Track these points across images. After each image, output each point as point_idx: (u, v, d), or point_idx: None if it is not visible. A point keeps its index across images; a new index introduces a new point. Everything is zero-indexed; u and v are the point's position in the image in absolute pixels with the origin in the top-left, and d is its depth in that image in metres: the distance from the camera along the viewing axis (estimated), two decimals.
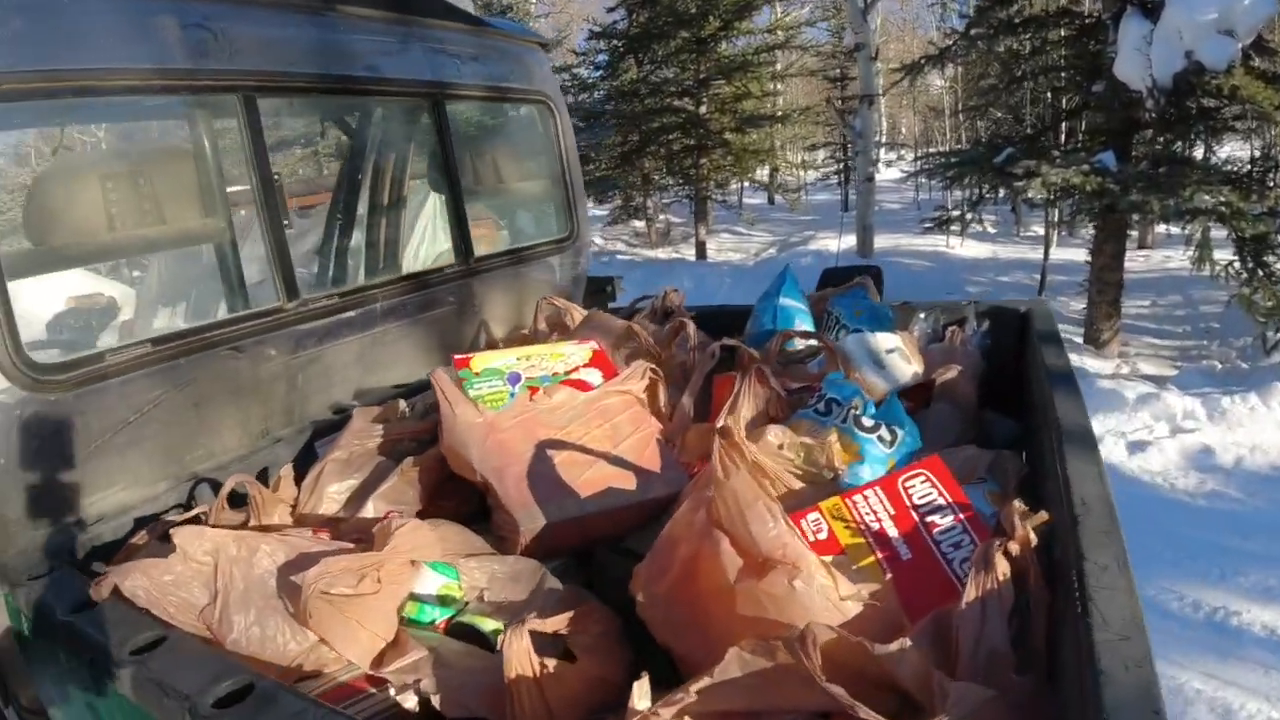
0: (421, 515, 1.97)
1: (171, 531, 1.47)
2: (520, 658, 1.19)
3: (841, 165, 17.07)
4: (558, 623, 1.35)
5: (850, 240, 12.28)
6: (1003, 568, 1.18)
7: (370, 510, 1.88)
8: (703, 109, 13.93)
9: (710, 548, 1.24)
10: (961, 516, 1.42)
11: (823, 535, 1.41)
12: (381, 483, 1.92)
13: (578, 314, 2.79)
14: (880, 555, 1.37)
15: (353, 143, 3.39)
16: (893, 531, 1.41)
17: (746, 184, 17.24)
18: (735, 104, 14.29)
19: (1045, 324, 2.56)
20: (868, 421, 1.86)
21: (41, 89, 1.73)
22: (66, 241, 1.93)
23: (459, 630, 1.51)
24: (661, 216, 17.25)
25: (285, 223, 2.22)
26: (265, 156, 2.17)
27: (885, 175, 22.14)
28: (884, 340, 2.50)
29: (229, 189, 2.22)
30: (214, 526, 1.81)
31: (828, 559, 1.34)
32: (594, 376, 2.08)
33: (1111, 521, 1.27)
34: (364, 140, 3.33)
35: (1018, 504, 1.32)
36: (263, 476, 2.11)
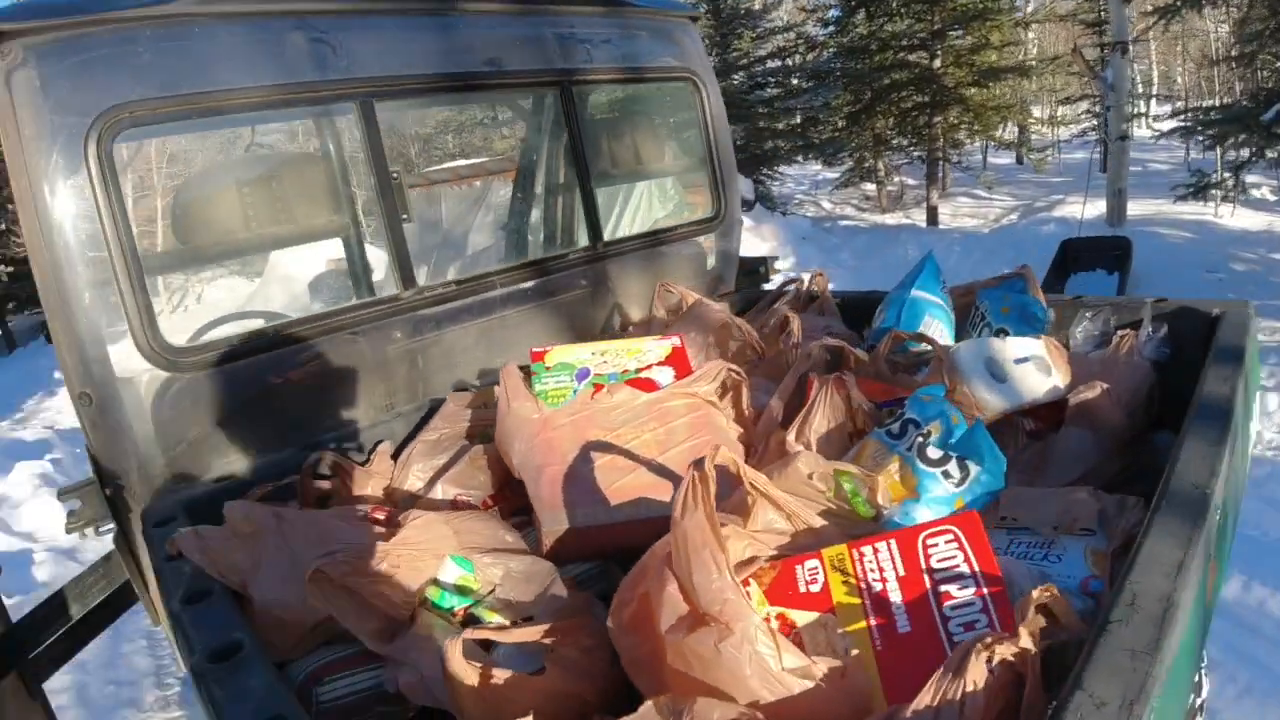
0: (493, 501, 2.08)
1: (228, 506, 1.66)
2: (457, 666, 1.24)
3: (1101, 120, 15.41)
4: (541, 632, 1.38)
5: (1100, 207, 11.06)
6: (976, 676, 1.00)
7: (439, 492, 2.01)
8: (936, 63, 13.04)
9: (659, 588, 1.21)
10: (985, 591, 1.21)
11: (815, 587, 1.29)
12: (453, 466, 2.03)
13: (699, 301, 2.76)
14: (873, 622, 1.22)
15: (484, 133, 3.54)
16: (896, 596, 1.24)
17: (990, 143, 15.98)
18: (972, 56, 13.24)
19: (1234, 335, 2.12)
20: (933, 453, 1.67)
21: (172, 111, 1.98)
22: (205, 241, 2.21)
23: (472, 621, 1.60)
24: (895, 179, 16.44)
25: (404, 216, 2.39)
26: (383, 157, 2.34)
27: (1144, 133, 19.55)
28: (1015, 347, 2.18)
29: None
30: (304, 495, 2.03)
31: (809, 617, 1.25)
32: (665, 375, 2.07)
33: (1154, 635, 1.03)
34: (499, 129, 3.46)
35: (1040, 594, 1.12)
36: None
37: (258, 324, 2.23)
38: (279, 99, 2.14)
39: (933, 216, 13.82)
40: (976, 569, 1.25)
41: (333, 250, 2.66)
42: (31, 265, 1.94)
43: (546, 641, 1.39)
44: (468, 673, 1.25)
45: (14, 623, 2.15)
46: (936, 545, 1.29)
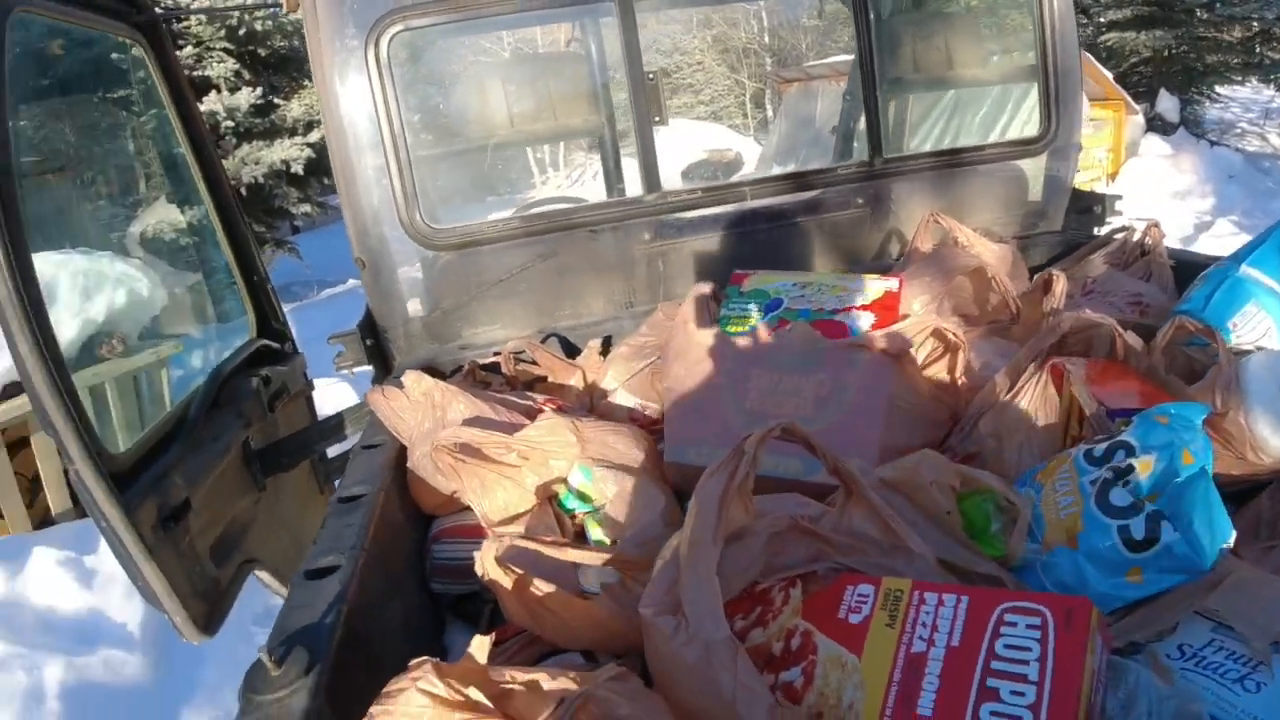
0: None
1: (406, 373, 1.90)
2: (490, 567, 1.33)
3: None
4: (602, 559, 1.43)
5: None
6: None
7: (619, 398, 2.10)
8: None
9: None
10: (1045, 703, 0.93)
11: (856, 618, 1.10)
12: (637, 376, 2.10)
13: (966, 238, 2.45)
14: (895, 687, 1.01)
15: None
16: (935, 668, 1.00)
17: None
18: None
19: None
20: (1120, 497, 1.29)
21: (441, 14, 2.18)
22: (468, 134, 2.43)
23: (582, 529, 1.69)
24: None
25: (656, 119, 2.41)
26: (638, 56, 2.35)
27: None
28: None
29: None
30: (510, 376, 2.24)
31: (833, 649, 1.08)
32: (861, 321, 1.91)
33: None
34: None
35: None
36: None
37: (508, 213, 2.43)
38: (540, 1, 2.25)
39: None
40: (1048, 681, 0.95)
41: (583, 148, 2.76)
42: (329, 149, 2.30)
43: (610, 569, 1.44)
44: (501, 575, 1.34)
45: (316, 421, 2.71)
46: (1014, 627, 1.01)
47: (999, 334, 2.12)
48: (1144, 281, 2.42)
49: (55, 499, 4.52)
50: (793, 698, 1.04)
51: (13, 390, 4.33)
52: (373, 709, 1.00)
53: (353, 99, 2.22)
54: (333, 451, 2.91)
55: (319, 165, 9.52)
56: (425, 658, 1.04)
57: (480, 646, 1.10)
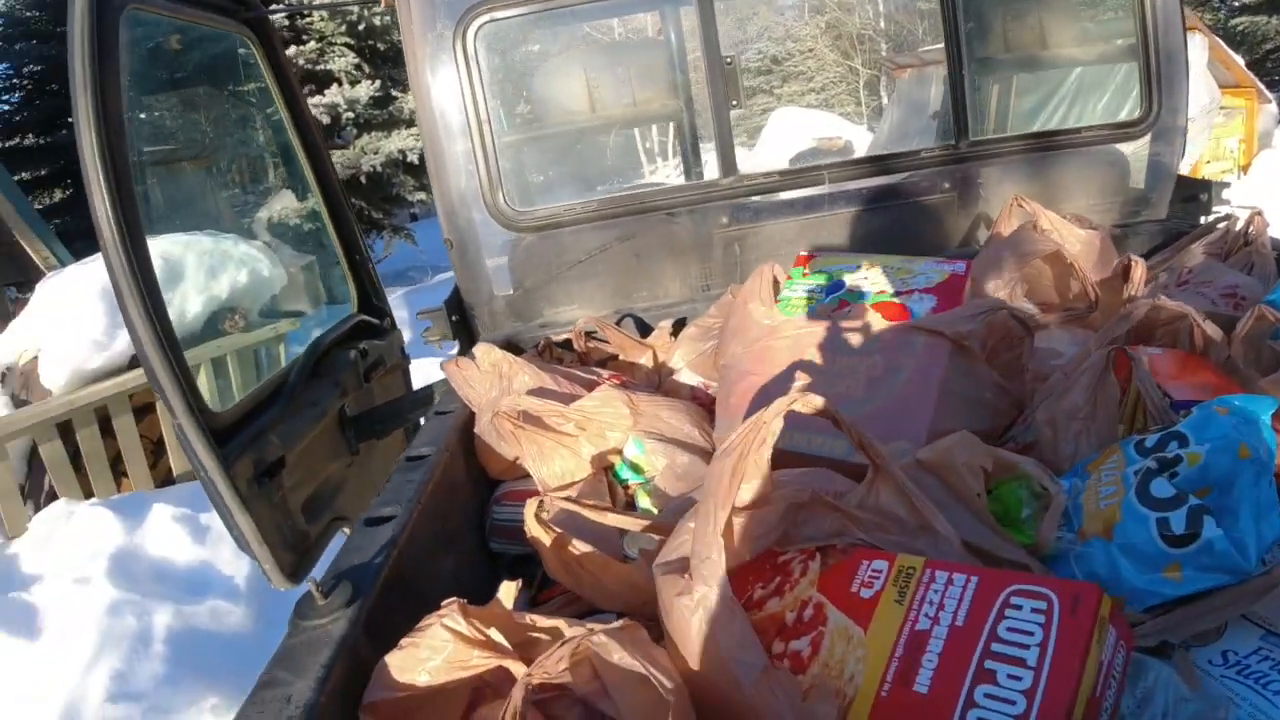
0: None
1: (477, 345, 2.01)
2: (532, 525, 1.41)
3: None
4: (641, 525, 1.49)
5: None
6: None
7: (684, 377, 2.15)
8: None
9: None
10: (1040, 689, 0.93)
11: (867, 592, 1.11)
12: (696, 356, 2.15)
13: (1050, 223, 2.37)
14: (895, 663, 1.02)
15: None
16: (936, 646, 1.01)
17: None
18: None
19: None
20: (1162, 489, 1.23)
21: (525, 6, 2.27)
22: (555, 122, 2.53)
23: (632, 499, 1.76)
24: None
25: (733, 103, 2.44)
26: (716, 39, 2.39)
27: None
28: None
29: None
30: (581, 353, 2.33)
31: (841, 621, 1.10)
32: (921, 305, 1.90)
33: None
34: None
35: None
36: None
37: (586, 197, 2.52)
38: None
39: None
40: (1046, 666, 0.94)
41: (660, 133, 2.81)
42: (422, 135, 2.44)
43: (648, 536, 1.50)
44: (543, 533, 1.43)
45: (411, 389, 2.88)
46: (1020, 610, 1.00)
47: (1076, 322, 2.07)
48: (1244, 273, 2.30)
49: (177, 461, 4.90)
50: (799, 667, 1.07)
51: (120, 367, 4.71)
52: (403, 640, 1.10)
53: (442, 88, 2.34)
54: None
55: None
56: (454, 599, 1.13)
57: (507, 592, 1.19)
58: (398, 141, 9.75)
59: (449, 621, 1.10)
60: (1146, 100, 2.69)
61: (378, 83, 9.86)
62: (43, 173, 15.43)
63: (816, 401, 1.25)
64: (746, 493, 1.19)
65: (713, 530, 1.09)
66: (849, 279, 2.00)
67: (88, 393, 4.40)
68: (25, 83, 15.92)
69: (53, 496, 4.48)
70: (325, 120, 9.16)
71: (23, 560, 4.16)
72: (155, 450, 4.82)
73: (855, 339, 1.84)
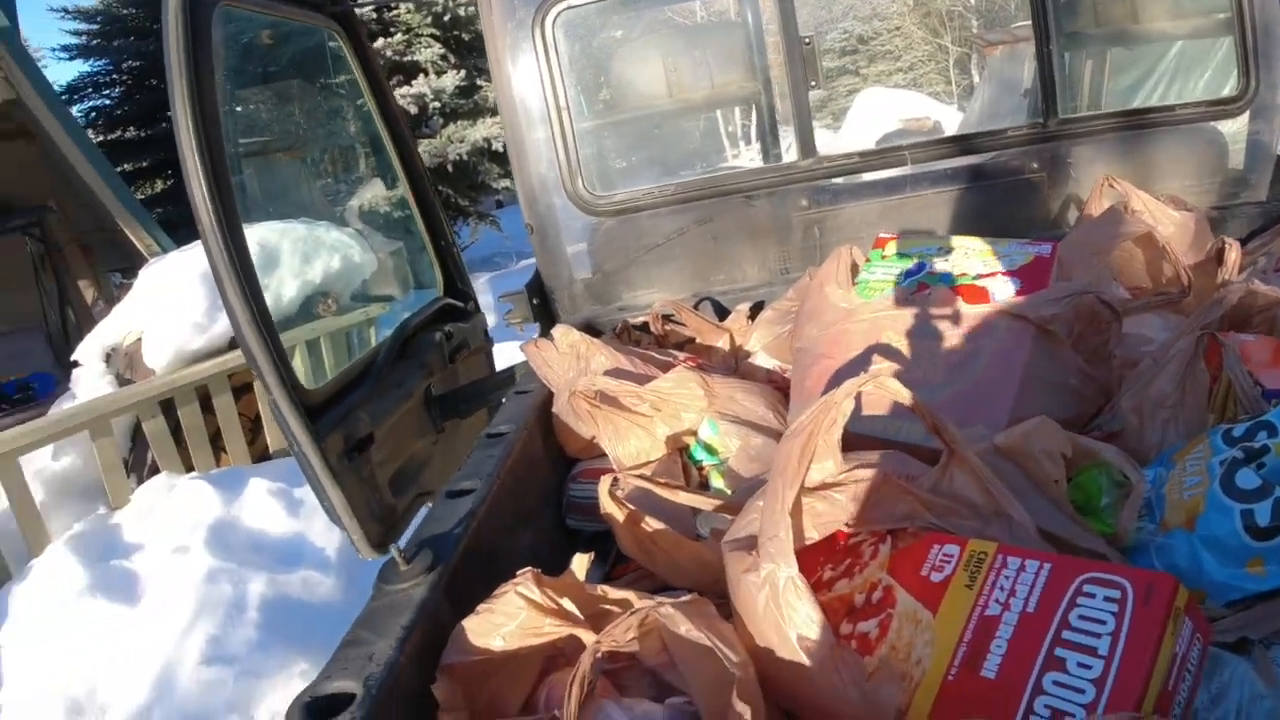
0: None
1: (556, 327, 2.05)
2: (605, 501, 1.44)
3: None
4: (714, 505, 1.51)
5: None
6: None
7: (759, 360, 2.15)
8: None
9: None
10: (1111, 678, 0.91)
11: (938, 576, 1.11)
12: (772, 339, 2.15)
13: (1142, 204, 2.29)
14: (964, 647, 1.01)
15: None
16: (1005, 632, 1.00)
17: None
18: None
19: None
20: (1248, 479, 1.19)
21: None
22: (633, 107, 2.55)
23: (706, 480, 1.77)
24: None
25: (812, 84, 2.41)
26: (794, 19, 2.36)
27: None
28: None
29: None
30: (659, 336, 2.35)
31: (910, 604, 1.09)
32: (1005, 288, 1.85)
33: None
34: None
35: None
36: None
37: (665, 181, 2.53)
38: None
39: None
40: (1117, 656, 0.92)
41: (739, 116, 2.80)
42: (503, 122, 2.49)
43: (720, 515, 1.52)
44: (616, 509, 1.46)
45: (494, 371, 2.96)
46: (1092, 598, 0.98)
47: (1168, 307, 2.00)
48: None
49: (273, 437, 5.12)
50: (866, 649, 1.07)
51: (219, 349, 4.93)
52: (479, 606, 1.14)
53: (522, 76, 2.39)
54: None
55: None
56: (529, 568, 1.16)
57: (580, 564, 1.22)
58: (483, 130, 9.94)
59: (523, 589, 1.13)
60: (1244, 76, 2.56)
61: (463, 72, 10.06)
62: (144, 164, 16.16)
63: (889, 383, 1.25)
64: (817, 473, 1.19)
65: (781, 509, 1.10)
66: (930, 262, 1.96)
67: (189, 372, 4.64)
68: (125, 78, 16.72)
69: (154, 470, 4.74)
70: (412, 110, 9.40)
71: (126, 530, 4.41)
72: (253, 427, 5.05)
73: (935, 322, 1.81)
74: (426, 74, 9.98)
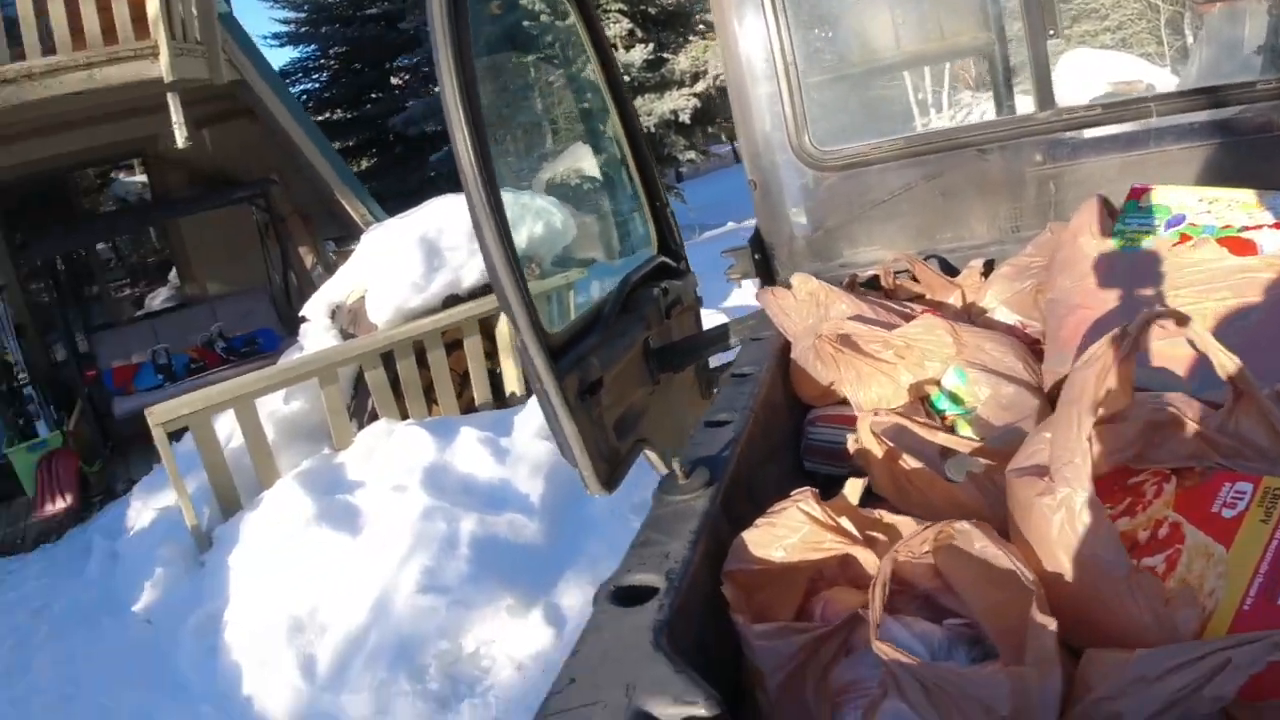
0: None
1: (793, 275, 2.08)
2: (865, 437, 1.47)
3: None
4: (971, 448, 1.51)
5: None
6: None
7: (998, 315, 2.11)
8: None
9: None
10: None
11: (1229, 513, 1.11)
12: (1012, 294, 2.09)
13: None
14: (1260, 578, 1.03)
15: None
16: None
17: None
18: None
19: None
20: None
21: None
22: (857, 60, 2.52)
23: (952, 428, 1.76)
24: None
25: (1050, 33, 2.32)
26: None
27: None
28: None
29: None
30: (888, 291, 2.34)
31: (1200, 538, 1.10)
32: (1273, 240, 1.74)
33: None
34: None
35: None
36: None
37: (892, 136, 2.50)
38: None
39: None
40: None
41: (970, 66, 2.71)
42: (726, 80, 2.53)
43: (975, 460, 1.52)
44: (874, 445, 1.49)
45: (701, 330, 3.03)
46: None
47: None
48: None
49: (479, 392, 5.45)
50: (1106, 570, 1.06)
51: (450, 301, 5.25)
52: (758, 520, 1.21)
53: (749, 32, 2.42)
54: (715, 363, 3.22)
55: (705, 114, 10.12)
56: (807, 487, 1.22)
57: (853, 489, 1.26)
58: (670, 102, 10.07)
59: (804, 506, 1.19)
60: None
61: (650, 46, 10.20)
62: (350, 143, 17.35)
63: (1181, 316, 1.22)
64: (1107, 405, 1.18)
65: (1077, 434, 1.10)
66: (1189, 213, 1.86)
67: (408, 328, 5.00)
68: (332, 63, 18.02)
69: (373, 416, 5.15)
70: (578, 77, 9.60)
71: (348, 468, 4.84)
72: (460, 381, 5.39)
73: (1198, 274, 1.73)
74: (615, 48, 10.20)
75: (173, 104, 6.76)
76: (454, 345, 5.28)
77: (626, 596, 1.08)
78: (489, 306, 5.27)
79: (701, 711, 0.83)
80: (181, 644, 4.28)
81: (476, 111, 2.06)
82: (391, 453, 4.76)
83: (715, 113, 11.06)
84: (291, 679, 3.82)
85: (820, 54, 2.52)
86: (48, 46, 6.30)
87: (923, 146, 2.46)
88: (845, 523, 1.20)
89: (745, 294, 5.70)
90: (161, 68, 6.50)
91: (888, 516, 1.23)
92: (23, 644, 4.94)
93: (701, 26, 13.58)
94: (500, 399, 5.54)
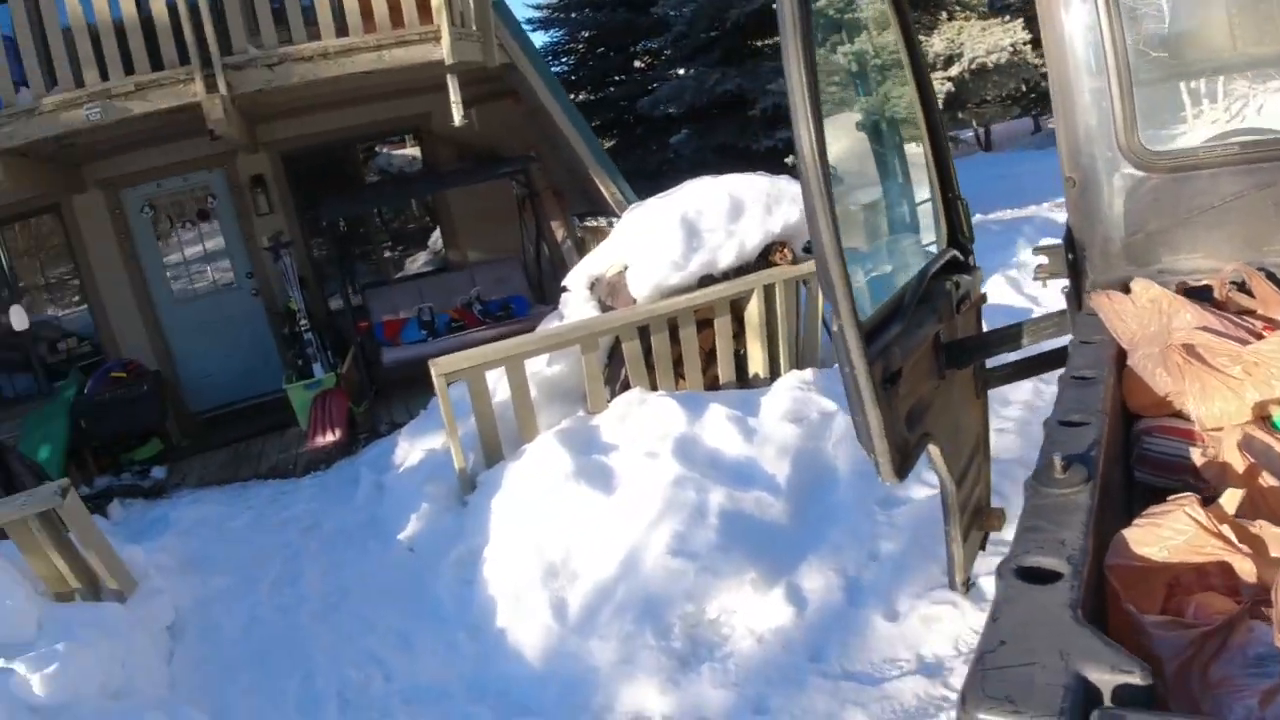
0: None
1: (1134, 280, 2.04)
2: (1230, 452, 1.45)
3: None
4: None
5: None
6: None
7: None
8: None
9: None
10: None
11: None
12: None
13: None
14: None
15: None
16: None
17: None
18: None
19: None
20: None
21: None
22: (1194, 58, 2.41)
23: None
24: None
25: None
26: None
27: None
28: None
29: None
30: (1220, 302, 2.24)
31: None
32: None
33: None
34: None
35: None
36: None
37: (1229, 139, 2.37)
38: None
39: None
40: None
41: None
42: (1048, 72, 2.49)
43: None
44: (1239, 459, 1.47)
45: (980, 326, 3.00)
46: None
47: None
48: None
49: (724, 371, 5.62)
50: None
51: (705, 281, 5.43)
52: (1138, 520, 1.25)
53: (1075, 24, 2.37)
54: (991, 364, 3.18)
55: (956, 99, 9.74)
56: (1189, 493, 1.24)
57: (1231, 498, 1.27)
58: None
59: (1190, 510, 1.22)
60: None
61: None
62: (595, 124, 18.04)
63: None
64: None
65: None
66: None
67: (664, 304, 5.24)
68: (580, 47, 18.78)
69: (625, 385, 5.43)
70: (853, 68, 9.43)
71: (603, 431, 5.13)
72: (706, 358, 5.59)
73: None
74: (868, 30, 9.96)
75: (451, 85, 7.33)
76: (703, 324, 5.47)
77: (1032, 575, 1.15)
78: (741, 288, 5.41)
79: (1137, 680, 0.89)
80: (441, 574, 4.69)
81: (817, 106, 2.16)
82: (643, 420, 5.01)
83: (967, 97, 10.58)
84: (544, 618, 4.12)
85: (1152, 49, 2.41)
86: (340, 28, 6.96)
87: (1259, 153, 2.32)
88: (1227, 530, 1.21)
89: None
90: (443, 51, 7.02)
91: (1270, 528, 1.23)
92: (294, 558, 5.53)
93: (956, 7, 12.98)
94: (743, 379, 5.68)
